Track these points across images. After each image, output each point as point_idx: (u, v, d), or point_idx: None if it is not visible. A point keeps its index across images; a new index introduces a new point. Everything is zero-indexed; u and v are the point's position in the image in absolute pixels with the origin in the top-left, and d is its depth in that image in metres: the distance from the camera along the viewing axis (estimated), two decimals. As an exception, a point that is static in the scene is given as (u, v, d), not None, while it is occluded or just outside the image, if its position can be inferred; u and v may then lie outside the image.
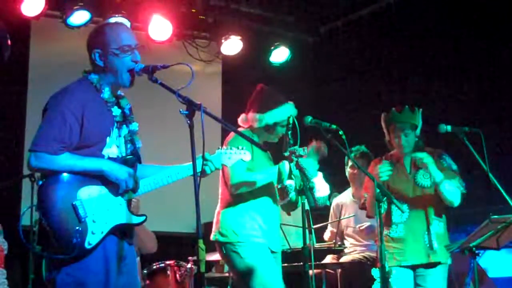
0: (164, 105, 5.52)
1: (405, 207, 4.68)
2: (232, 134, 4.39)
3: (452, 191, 4.66)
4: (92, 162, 3.21)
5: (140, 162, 3.43)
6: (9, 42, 4.83)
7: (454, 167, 4.78)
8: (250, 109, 4.51)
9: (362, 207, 5.01)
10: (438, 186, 4.62)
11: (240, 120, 4.53)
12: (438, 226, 4.70)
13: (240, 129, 4.41)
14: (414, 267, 4.68)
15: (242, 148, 3.65)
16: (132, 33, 3.42)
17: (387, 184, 4.68)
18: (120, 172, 3.24)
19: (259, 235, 4.31)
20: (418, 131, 4.79)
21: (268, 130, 4.44)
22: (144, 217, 3.35)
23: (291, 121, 3.94)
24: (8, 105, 6.95)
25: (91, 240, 3.14)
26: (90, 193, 3.19)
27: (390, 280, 4.22)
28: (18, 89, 7.10)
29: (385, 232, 4.71)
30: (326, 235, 6.33)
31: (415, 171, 4.78)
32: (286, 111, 4.37)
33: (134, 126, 3.45)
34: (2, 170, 6.56)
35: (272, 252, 4.39)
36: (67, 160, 3.17)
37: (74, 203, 3.14)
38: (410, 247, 4.65)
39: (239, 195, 4.29)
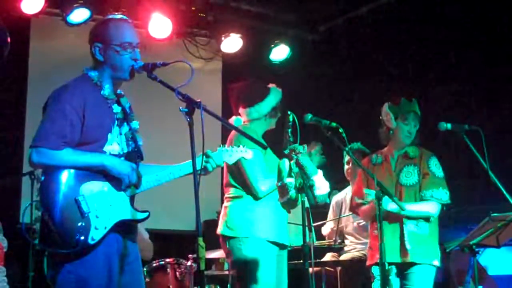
0: (164, 102, 5.51)
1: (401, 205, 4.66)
2: (234, 133, 4.41)
3: (419, 209, 4.59)
4: (94, 157, 3.21)
5: (142, 159, 3.43)
6: (8, 39, 4.81)
7: (440, 174, 4.70)
8: (238, 107, 4.59)
9: (354, 211, 4.99)
10: (401, 214, 4.55)
11: (234, 122, 4.56)
12: (417, 226, 4.61)
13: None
14: (391, 265, 4.64)
15: (244, 146, 3.67)
16: (135, 31, 3.41)
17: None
18: (122, 167, 3.24)
19: (267, 230, 4.34)
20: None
21: (272, 114, 4.57)
22: (147, 213, 3.34)
23: (291, 119, 3.94)
24: (8, 103, 6.95)
25: (94, 235, 3.13)
26: (92, 189, 3.19)
27: (390, 278, 4.23)
28: (18, 87, 7.10)
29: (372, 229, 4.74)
30: (325, 231, 6.31)
31: (400, 169, 4.75)
32: (278, 93, 4.58)
33: (135, 124, 3.45)
34: (2, 168, 6.56)
35: (281, 246, 4.42)
36: (68, 155, 3.16)
37: (77, 198, 3.14)
38: (386, 245, 4.63)
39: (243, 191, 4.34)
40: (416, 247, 4.57)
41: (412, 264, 4.59)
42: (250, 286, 4.26)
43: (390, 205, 4.44)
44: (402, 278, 4.65)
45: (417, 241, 4.58)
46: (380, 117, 4.85)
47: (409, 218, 4.59)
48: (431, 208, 4.62)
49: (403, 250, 4.58)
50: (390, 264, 4.57)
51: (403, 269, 4.64)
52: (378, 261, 4.54)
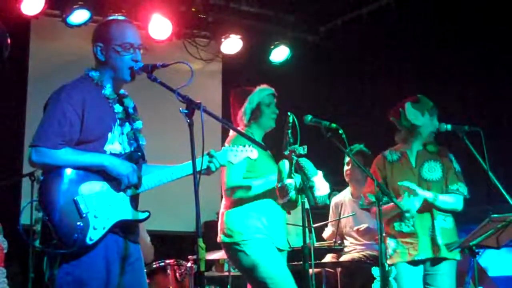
0: (164, 103, 5.52)
1: (412, 200, 4.65)
2: (233, 134, 4.40)
3: (449, 201, 4.66)
4: (93, 157, 3.21)
5: (144, 159, 3.43)
6: (8, 41, 4.81)
7: (459, 169, 4.77)
8: (235, 116, 4.58)
9: (366, 209, 4.99)
10: (434, 204, 4.61)
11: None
12: (445, 221, 4.68)
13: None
14: (424, 262, 4.66)
15: (249, 146, 3.64)
16: (137, 32, 3.42)
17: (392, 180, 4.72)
18: (122, 167, 3.23)
19: (264, 233, 4.32)
20: None
21: (255, 115, 4.49)
22: (147, 213, 3.34)
23: (290, 120, 3.94)
24: (7, 104, 6.95)
25: (92, 235, 3.13)
26: (91, 189, 3.19)
27: (390, 279, 4.22)
28: (18, 87, 7.10)
29: (398, 227, 4.71)
30: (326, 234, 6.32)
31: (421, 164, 4.77)
32: (261, 92, 4.53)
33: (138, 124, 3.45)
34: (2, 169, 6.55)
35: (279, 250, 4.41)
36: (67, 155, 3.17)
37: (75, 198, 3.14)
38: (420, 241, 4.64)
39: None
40: (446, 241, 4.61)
41: (441, 260, 4.63)
42: (265, 282, 4.23)
43: (425, 193, 4.55)
44: (425, 278, 4.68)
45: (446, 236, 4.64)
46: (399, 118, 4.82)
47: (440, 210, 4.64)
48: (457, 201, 4.70)
49: (435, 245, 4.62)
50: (426, 260, 4.61)
51: (431, 268, 4.67)
52: (414, 258, 4.57)
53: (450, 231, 4.69)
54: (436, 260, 4.65)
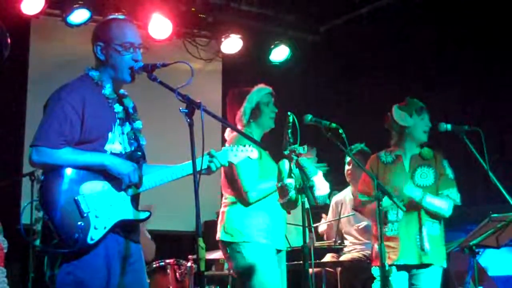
0: (164, 103, 5.51)
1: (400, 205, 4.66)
2: (234, 135, 4.40)
3: (437, 204, 4.63)
4: (94, 157, 3.21)
5: (145, 159, 3.43)
6: (8, 40, 4.81)
7: (452, 175, 4.75)
8: (234, 116, 4.58)
9: (358, 209, 4.99)
10: (420, 203, 4.60)
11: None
12: (432, 227, 4.64)
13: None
14: (407, 267, 4.64)
15: (249, 146, 3.64)
16: (137, 31, 3.42)
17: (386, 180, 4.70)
18: (123, 167, 3.23)
19: (264, 235, 4.31)
20: None
21: (255, 115, 4.49)
22: (148, 213, 3.34)
23: (290, 120, 3.94)
24: (8, 104, 6.95)
25: (93, 235, 3.13)
26: (92, 188, 3.19)
27: (390, 278, 4.22)
28: (18, 87, 7.11)
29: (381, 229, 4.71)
30: (322, 228, 6.30)
31: (414, 170, 4.76)
32: (259, 91, 4.53)
33: (138, 124, 3.45)
34: (2, 169, 6.56)
35: (278, 250, 4.41)
36: (68, 154, 3.16)
37: (76, 198, 3.13)
38: (403, 246, 4.62)
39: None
40: (432, 248, 4.60)
41: (426, 265, 4.61)
42: None
43: (415, 192, 4.56)
44: (410, 279, 4.66)
45: (433, 242, 4.61)
46: (390, 122, 4.83)
47: (427, 213, 4.62)
48: (447, 206, 4.66)
49: (421, 251, 4.59)
50: (409, 266, 4.59)
51: (415, 270, 4.65)
52: (393, 262, 4.56)
53: (436, 238, 4.65)
54: (421, 266, 4.62)
